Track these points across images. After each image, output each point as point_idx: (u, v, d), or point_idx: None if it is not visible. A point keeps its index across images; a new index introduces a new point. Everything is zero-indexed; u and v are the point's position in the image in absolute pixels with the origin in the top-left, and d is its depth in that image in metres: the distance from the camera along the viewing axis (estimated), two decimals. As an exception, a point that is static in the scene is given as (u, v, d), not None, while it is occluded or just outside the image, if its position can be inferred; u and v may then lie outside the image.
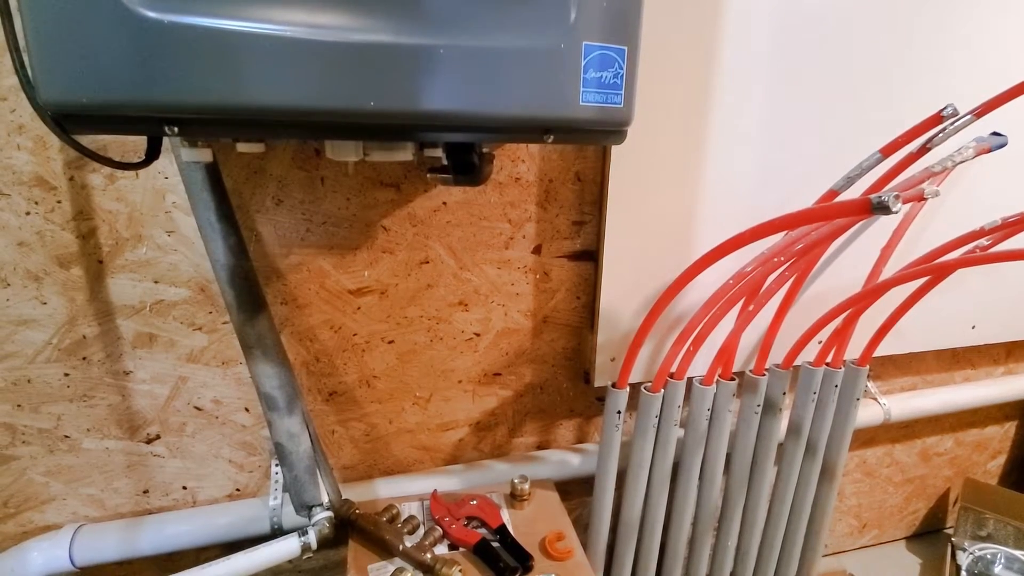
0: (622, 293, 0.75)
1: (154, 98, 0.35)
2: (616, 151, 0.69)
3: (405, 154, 0.55)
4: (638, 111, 0.67)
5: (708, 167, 0.72)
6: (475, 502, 0.70)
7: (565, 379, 0.84)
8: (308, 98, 0.35)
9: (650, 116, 0.68)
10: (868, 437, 1.07)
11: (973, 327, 0.94)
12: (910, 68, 0.74)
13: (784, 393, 0.78)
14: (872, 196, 0.40)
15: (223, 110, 0.35)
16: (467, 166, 0.49)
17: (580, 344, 0.82)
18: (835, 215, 0.51)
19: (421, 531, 0.66)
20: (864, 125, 0.74)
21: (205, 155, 0.48)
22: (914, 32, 0.73)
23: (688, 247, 0.75)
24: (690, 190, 0.73)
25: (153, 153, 0.46)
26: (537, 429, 0.86)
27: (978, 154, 0.70)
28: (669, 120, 0.69)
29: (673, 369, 0.73)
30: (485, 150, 0.59)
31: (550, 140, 0.43)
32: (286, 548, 0.60)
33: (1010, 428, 1.20)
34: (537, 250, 0.75)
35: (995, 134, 0.74)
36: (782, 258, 0.66)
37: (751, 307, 0.70)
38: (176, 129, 0.37)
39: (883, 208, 0.40)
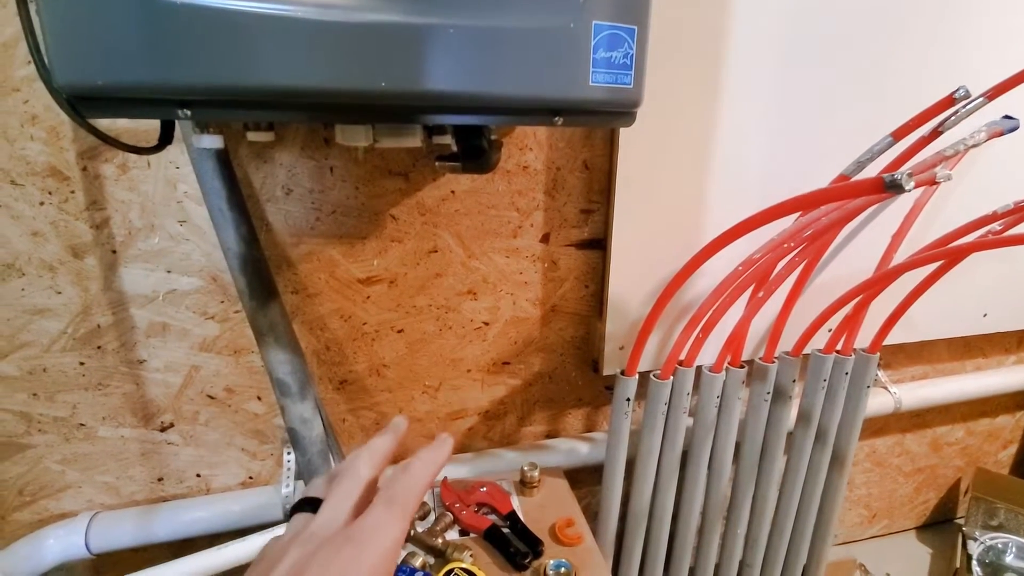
0: (631, 281, 0.75)
1: (167, 80, 0.36)
2: (624, 138, 0.69)
3: (414, 140, 0.55)
4: (647, 97, 0.67)
5: (717, 154, 0.72)
6: (485, 489, 0.70)
7: (574, 368, 0.84)
8: (319, 79, 0.35)
9: (659, 102, 0.67)
10: (878, 426, 1.07)
11: (985, 315, 0.94)
12: (923, 50, 0.74)
13: (794, 381, 0.78)
14: (885, 175, 0.40)
15: (234, 92, 0.36)
16: (476, 150, 0.49)
17: (589, 333, 0.82)
18: (847, 195, 0.50)
19: (432, 517, 0.67)
20: (875, 109, 0.74)
21: (216, 142, 0.48)
22: (927, 12, 0.72)
23: (697, 235, 0.75)
24: (699, 177, 0.73)
25: (166, 138, 0.47)
26: (546, 418, 0.86)
27: (991, 137, 0.69)
28: (678, 106, 0.68)
29: (682, 357, 0.73)
30: (494, 136, 0.59)
31: (559, 122, 0.43)
32: None
33: (1022, 417, 1.19)
34: (545, 239, 0.75)
35: (1007, 117, 0.73)
36: (792, 244, 0.65)
37: (760, 294, 0.70)
38: (189, 112, 0.37)
39: (896, 186, 0.39)
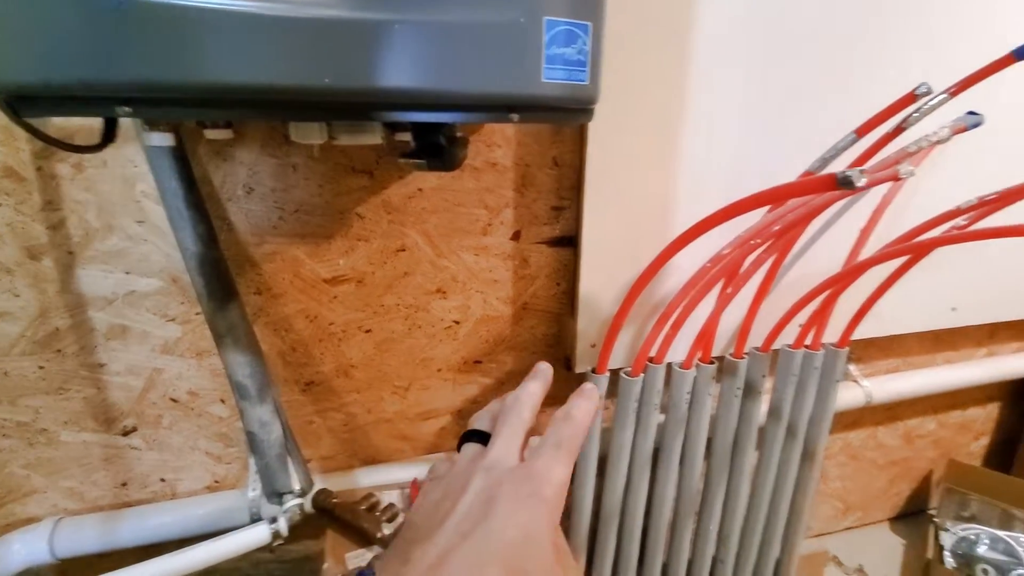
0: (602, 278, 0.75)
1: (105, 77, 0.35)
2: (593, 135, 0.68)
3: (373, 137, 0.54)
4: (614, 94, 0.66)
5: (687, 151, 0.72)
6: (455, 489, 0.70)
7: (547, 366, 0.83)
8: (261, 75, 0.35)
9: (628, 98, 0.67)
10: (851, 420, 1.08)
11: (954, 309, 0.95)
12: (888, 47, 0.74)
13: (764, 376, 0.78)
14: (837, 172, 0.40)
15: (175, 88, 0.35)
16: (434, 148, 0.49)
17: (561, 331, 0.82)
18: (800, 192, 0.50)
19: (400, 519, 0.66)
20: (842, 106, 0.74)
21: (166, 139, 0.47)
22: (895, 9, 0.72)
23: (668, 232, 0.75)
24: (669, 175, 0.73)
25: (109, 136, 0.46)
26: (519, 416, 0.86)
27: (955, 133, 0.70)
28: (647, 102, 0.68)
29: (653, 354, 0.73)
30: (459, 134, 0.58)
31: (516, 119, 0.43)
32: (256, 535, 0.60)
33: (993, 409, 1.21)
34: (516, 236, 0.75)
35: (971, 113, 0.74)
36: (759, 240, 0.66)
37: (729, 290, 0.70)
38: (129, 109, 0.37)
39: (847, 183, 0.39)
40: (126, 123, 0.57)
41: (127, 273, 0.63)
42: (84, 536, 0.68)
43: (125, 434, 0.69)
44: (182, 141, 0.53)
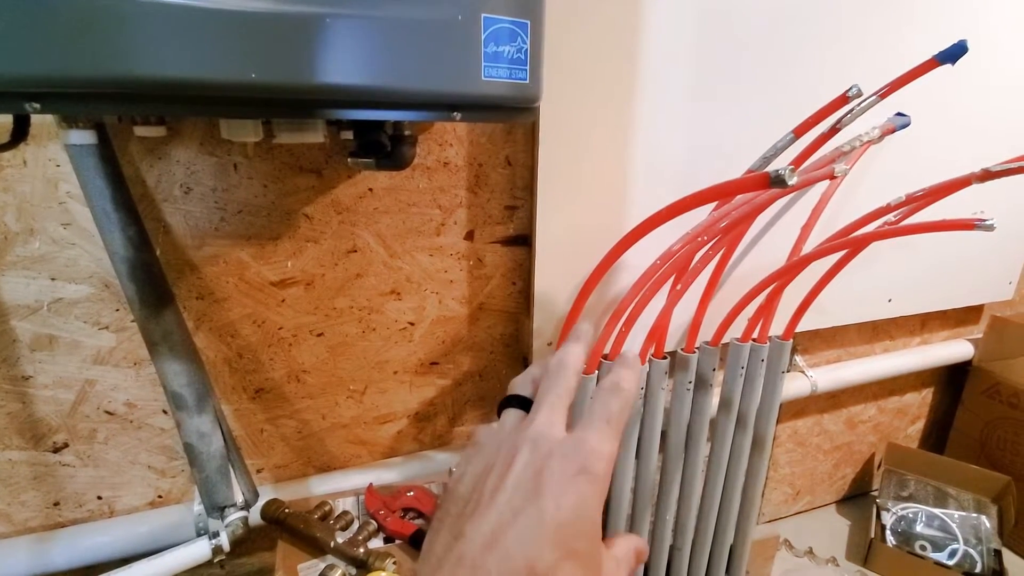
0: (556, 277, 0.75)
1: (11, 71, 0.32)
2: (545, 134, 0.69)
3: (316, 136, 0.53)
4: (566, 95, 0.67)
5: (638, 150, 0.73)
6: (412, 493, 0.69)
7: (504, 365, 0.83)
8: (181, 68, 0.33)
9: (578, 98, 0.68)
10: (798, 408, 1.12)
11: (889, 300, 1.00)
12: (830, 50, 0.77)
13: (714, 369, 0.80)
14: (770, 170, 0.42)
15: (86, 83, 0.33)
16: (376, 146, 0.48)
17: (518, 330, 0.82)
18: (737, 191, 0.52)
19: (355, 526, 0.65)
20: (785, 107, 0.77)
21: (86, 137, 0.44)
22: (836, 13, 0.75)
23: (620, 229, 0.75)
24: (620, 173, 0.74)
25: (20, 134, 0.43)
26: (478, 417, 0.85)
27: (884, 134, 0.74)
28: (597, 102, 0.69)
29: (607, 351, 0.74)
30: (407, 132, 0.57)
31: (458, 118, 0.42)
32: (195, 552, 0.57)
33: (927, 394, 1.28)
34: (470, 236, 0.74)
35: (899, 114, 0.78)
36: (706, 237, 0.67)
37: (679, 286, 0.72)
38: (38, 106, 0.34)
39: (779, 182, 0.41)
40: (47, 119, 0.54)
41: (52, 279, 0.59)
42: (14, 560, 0.64)
43: (55, 451, 0.65)
44: (108, 138, 0.50)
